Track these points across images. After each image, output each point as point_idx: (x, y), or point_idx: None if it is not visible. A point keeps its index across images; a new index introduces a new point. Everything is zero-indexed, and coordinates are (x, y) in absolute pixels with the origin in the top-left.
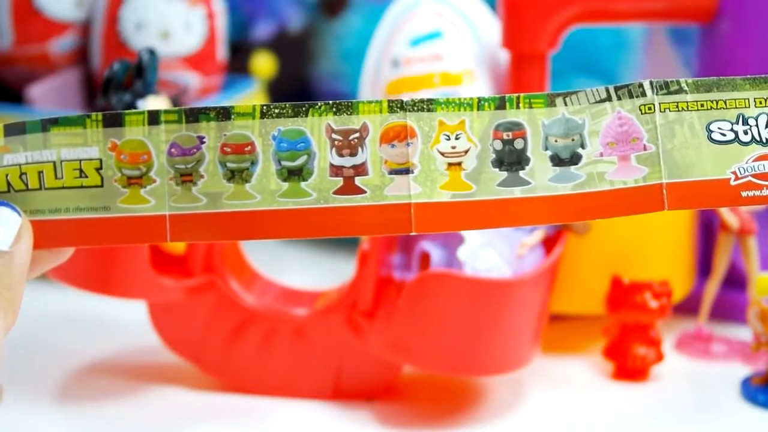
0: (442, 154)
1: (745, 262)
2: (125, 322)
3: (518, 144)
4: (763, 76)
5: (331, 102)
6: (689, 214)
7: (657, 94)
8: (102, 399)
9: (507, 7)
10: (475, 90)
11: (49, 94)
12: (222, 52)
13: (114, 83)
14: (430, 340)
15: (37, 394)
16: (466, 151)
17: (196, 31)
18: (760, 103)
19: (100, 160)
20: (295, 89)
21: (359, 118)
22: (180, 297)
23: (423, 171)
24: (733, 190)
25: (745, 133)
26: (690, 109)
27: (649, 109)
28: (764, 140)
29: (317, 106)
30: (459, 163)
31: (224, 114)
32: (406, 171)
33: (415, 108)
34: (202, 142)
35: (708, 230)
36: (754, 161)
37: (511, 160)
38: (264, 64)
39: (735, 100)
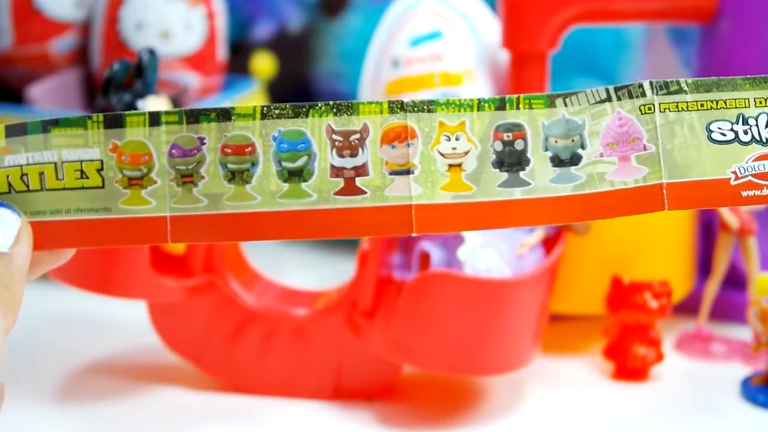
0: (443, 155)
1: (745, 262)
2: (125, 322)
3: (518, 145)
4: (762, 75)
5: (331, 103)
6: (689, 214)
7: (657, 95)
8: (102, 399)
9: (507, 7)
10: (475, 90)
11: (49, 94)
12: (222, 52)
13: (114, 83)
14: (430, 340)
15: (37, 394)
16: (467, 152)
17: (196, 31)
18: (760, 102)
19: (101, 161)
20: (295, 89)
21: (360, 119)
22: (180, 297)
23: (423, 172)
24: (734, 190)
25: (745, 132)
26: (690, 109)
27: (649, 109)
28: (764, 140)
29: (317, 107)
30: (459, 164)
31: (224, 115)
32: (407, 172)
33: (416, 109)
34: (203, 143)
35: (708, 230)
36: (754, 161)
37: (512, 161)
38: (264, 64)
39: (735, 99)
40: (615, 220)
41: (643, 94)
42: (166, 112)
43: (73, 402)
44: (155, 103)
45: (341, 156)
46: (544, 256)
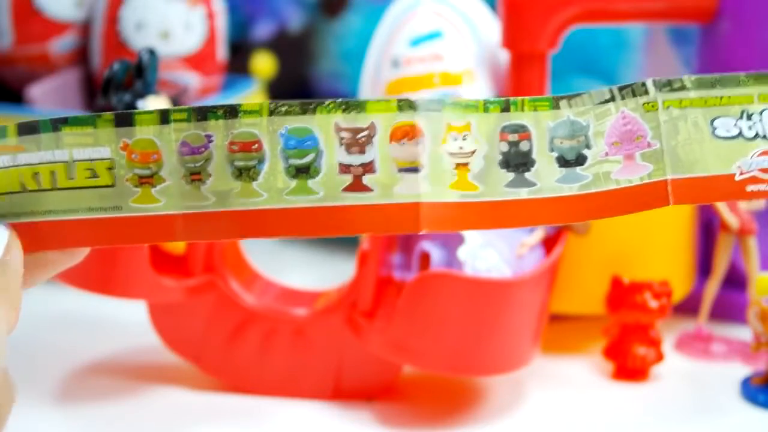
0: (450, 154)
1: (745, 262)
2: (125, 322)
3: (524, 146)
4: (766, 71)
5: (339, 100)
6: (689, 215)
7: (660, 92)
8: (102, 399)
9: (507, 7)
10: (475, 90)
11: (49, 94)
12: (222, 52)
13: (114, 83)
14: (430, 340)
15: (37, 394)
16: (473, 152)
17: (196, 31)
18: (764, 98)
19: (112, 160)
20: (295, 89)
21: (368, 117)
22: (180, 297)
23: (432, 170)
24: (739, 185)
25: (750, 128)
26: (693, 105)
27: (653, 106)
28: None
29: (325, 104)
30: (466, 164)
31: (232, 112)
32: (415, 170)
33: (424, 108)
34: (210, 141)
35: (708, 230)
36: (758, 156)
37: (518, 161)
38: (264, 64)
39: (738, 96)
40: (615, 220)
41: (647, 92)
42: (175, 110)
43: (73, 402)
44: (155, 103)
45: (349, 153)
46: (544, 256)
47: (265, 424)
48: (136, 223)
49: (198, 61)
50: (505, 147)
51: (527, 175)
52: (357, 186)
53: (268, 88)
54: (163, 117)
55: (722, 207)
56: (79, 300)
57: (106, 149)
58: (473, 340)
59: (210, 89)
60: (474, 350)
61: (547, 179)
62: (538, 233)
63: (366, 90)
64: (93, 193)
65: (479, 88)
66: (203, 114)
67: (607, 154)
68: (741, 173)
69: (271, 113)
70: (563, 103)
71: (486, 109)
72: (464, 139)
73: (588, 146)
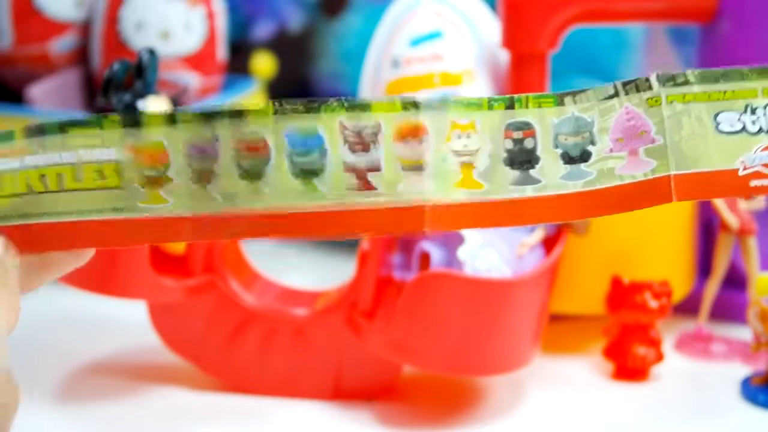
0: (455, 152)
1: (745, 262)
2: (125, 322)
3: (528, 143)
4: None
5: (344, 99)
6: (689, 214)
7: (663, 87)
8: (102, 399)
9: (507, 7)
10: (475, 90)
11: (49, 94)
12: (222, 52)
13: (114, 83)
14: (430, 340)
15: (37, 394)
16: (478, 150)
17: (196, 31)
18: None
19: (119, 162)
20: (295, 89)
21: (372, 116)
22: (180, 297)
23: (436, 169)
24: (742, 181)
25: (753, 123)
26: (697, 100)
27: (656, 101)
28: None
29: (330, 104)
30: (471, 162)
31: (237, 113)
32: (420, 168)
33: (428, 107)
34: (217, 141)
35: (708, 230)
36: (762, 151)
37: (522, 159)
38: (264, 64)
39: (742, 90)
40: (615, 220)
41: (650, 88)
42: (182, 111)
43: (73, 402)
44: (155, 103)
45: (354, 152)
46: (544, 256)
47: (265, 424)
48: (144, 224)
49: (198, 61)
50: (509, 144)
51: (532, 172)
52: (363, 185)
53: (268, 88)
54: (171, 118)
55: (722, 207)
56: (79, 300)
57: (112, 150)
58: (473, 340)
59: (210, 89)
60: (474, 350)
61: (552, 176)
62: (538, 233)
63: (366, 90)
64: (101, 195)
65: (479, 88)
66: (210, 115)
67: (611, 150)
68: (744, 168)
69: (277, 113)
70: (568, 99)
71: (490, 107)
72: (468, 137)
73: (593, 142)
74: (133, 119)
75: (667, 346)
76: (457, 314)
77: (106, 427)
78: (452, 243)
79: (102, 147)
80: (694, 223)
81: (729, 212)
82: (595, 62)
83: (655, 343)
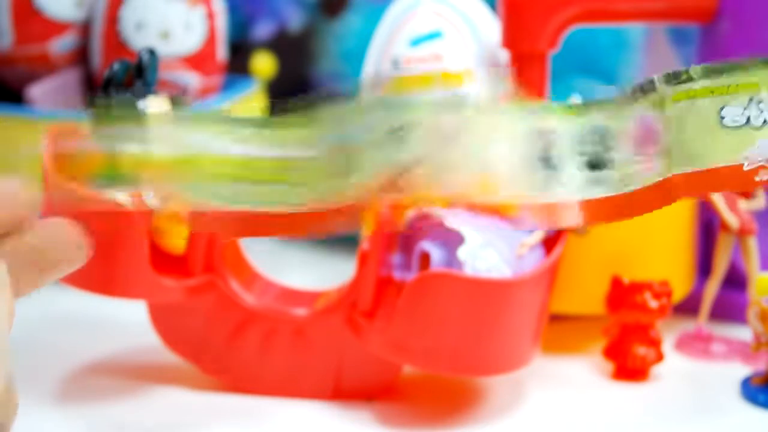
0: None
1: (745, 262)
2: (125, 322)
3: (552, 150)
4: None
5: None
6: (689, 215)
7: (668, 86)
8: (102, 399)
9: (507, 7)
10: (475, 90)
11: (49, 94)
12: (222, 52)
13: (114, 83)
14: (430, 340)
15: (37, 394)
16: (506, 155)
17: (196, 31)
18: None
19: (262, 155)
20: (295, 89)
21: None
22: (180, 297)
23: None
24: (748, 175)
25: (757, 116)
26: (700, 96)
27: (662, 102)
28: None
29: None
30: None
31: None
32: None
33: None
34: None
35: (708, 230)
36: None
37: (545, 166)
38: (264, 64)
39: (746, 83)
40: None
41: (655, 89)
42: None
43: (73, 402)
44: (155, 103)
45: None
46: (544, 256)
47: (265, 424)
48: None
49: (198, 61)
50: (533, 151)
51: (554, 179)
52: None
53: (268, 88)
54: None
55: (722, 207)
56: (79, 300)
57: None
58: (473, 340)
59: (210, 89)
60: (474, 350)
61: (573, 183)
62: (538, 233)
63: (366, 90)
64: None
65: (479, 88)
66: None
67: (629, 157)
68: (749, 162)
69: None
70: (588, 107)
71: (517, 112)
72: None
73: (612, 150)
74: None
75: (667, 346)
76: (457, 314)
77: (106, 427)
78: (452, 243)
79: (244, 142)
80: (694, 223)
81: (729, 212)
82: (595, 62)
83: (655, 343)
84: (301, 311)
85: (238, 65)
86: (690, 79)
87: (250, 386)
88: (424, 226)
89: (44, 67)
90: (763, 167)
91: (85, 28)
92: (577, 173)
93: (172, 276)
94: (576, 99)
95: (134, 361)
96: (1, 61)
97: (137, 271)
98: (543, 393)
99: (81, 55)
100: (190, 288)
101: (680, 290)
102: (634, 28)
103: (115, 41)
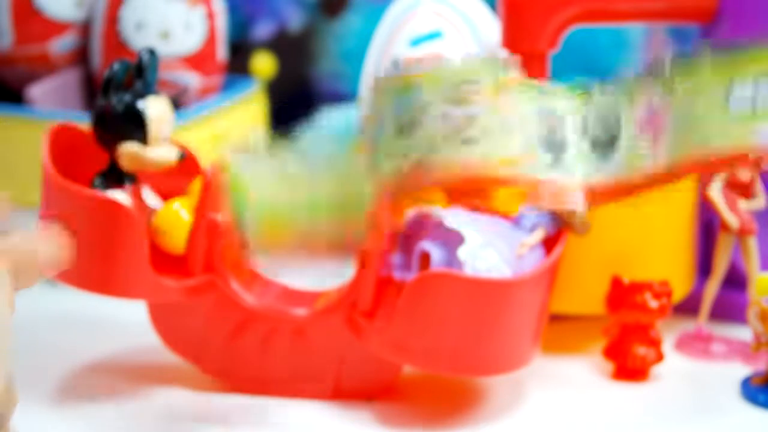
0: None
1: (745, 262)
2: (125, 322)
3: (559, 131)
4: None
5: None
6: (689, 214)
7: (674, 69)
8: (102, 399)
9: (507, 7)
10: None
11: (49, 94)
12: (222, 52)
13: (114, 83)
14: (430, 340)
15: (37, 394)
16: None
17: (196, 31)
18: None
19: None
20: (295, 89)
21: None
22: (180, 297)
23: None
24: (757, 153)
25: (765, 98)
26: (707, 79)
27: (669, 84)
28: None
29: None
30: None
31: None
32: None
33: None
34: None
35: (708, 230)
36: None
37: (554, 146)
38: (264, 64)
39: (752, 67)
40: (615, 220)
41: (664, 73)
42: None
43: (73, 402)
44: (155, 103)
45: None
46: (544, 256)
47: (265, 424)
48: None
49: (198, 61)
50: (542, 131)
51: (562, 160)
52: None
53: (268, 88)
54: None
55: (722, 207)
56: (79, 300)
57: None
58: (473, 340)
59: (210, 89)
60: (474, 350)
61: (581, 164)
62: (538, 233)
63: (366, 90)
64: None
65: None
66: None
67: (635, 137)
68: (758, 141)
69: None
70: (595, 90)
71: (524, 94)
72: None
73: (619, 130)
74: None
75: (667, 346)
76: (457, 314)
77: (106, 427)
78: (452, 243)
79: None
80: (694, 223)
81: (729, 212)
82: (595, 62)
83: (655, 343)
84: (301, 311)
85: (238, 65)
86: (695, 63)
87: (250, 386)
88: (426, 225)
89: (44, 67)
90: None
91: (85, 28)
92: (583, 154)
93: (172, 276)
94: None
95: (134, 361)
96: (1, 61)
97: (137, 271)
98: (543, 393)
99: (81, 55)
100: (190, 288)
101: (680, 290)
102: (634, 28)
103: (115, 41)
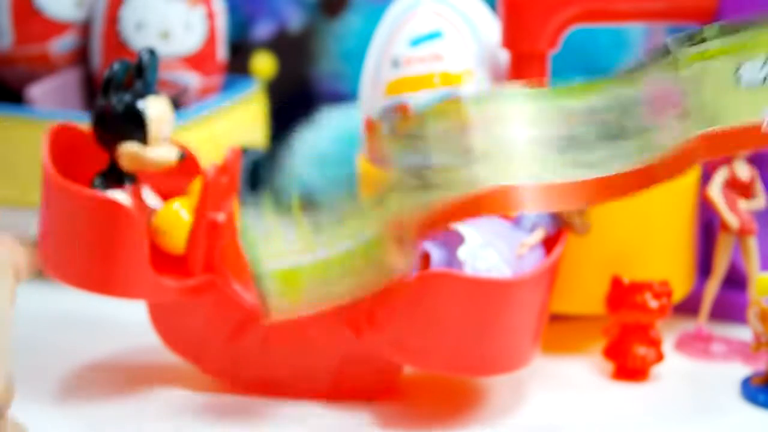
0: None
1: (745, 262)
2: (125, 322)
3: (575, 129)
4: None
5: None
6: (690, 214)
7: (682, 48)
8: (102, 399)
9: (507, 7)
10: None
11: (49, 94)
12: (222, 52)
13: (114, 83)
14: (430, 340)
15: (37, 394)
16: (530, 135)
17: (196, 31)
18: None
19: None
20: (295, 89)
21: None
22: (180, 297)
23: (501, 155)
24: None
25: None
26: (716, 56)
27: (676, 64)
28: None
29: None
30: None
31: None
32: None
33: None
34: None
35: (708, 230)
36: None
37: (571, 143)
38: (264, 64)
39: (762, 40)
40: (615, 220)
41: (670, 53)
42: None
43: (73, 402)
44: (155, 103)
45: None
46: (544, 256)
47: (265, 424)
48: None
49: (198, 61)
50: (558, 131)
51: (580, 156)
52: None
53: (268, 88)
54: None
55: (722, 207)
56: (79, 300)
57: None
58: (473, 340)
59: (210, 89)
60: (474, 350)
61: (598, 156)
62: (539, 233)
63: (366, 90)
64: None
65: (479, 88)
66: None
67: (647, 121)
68: None
69: None
70: (608, 81)
71: (538, 95)
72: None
73: (631, 119)
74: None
75: (667, 346)
76: (457, 314)
77: (106, 427)
78: (452, 243)
79: None
80: (694, 223)
81: (729, 212)
82: (595, 62)
83: (655, 343)
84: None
85: (238, 65)
86: (704, 40)
87: (250, 386)
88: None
89: (44, 67)
90: None
91: (85, 28)
92: (595, 148)
93: (172, 276)
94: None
95: (134, 361)
96: (1, 61)
97: (137, 271)
98: (543, 393)
99: (81, 55)
100: (190, 288)
101: (680, 290)
102: (634, 28)
103: (115, 41)
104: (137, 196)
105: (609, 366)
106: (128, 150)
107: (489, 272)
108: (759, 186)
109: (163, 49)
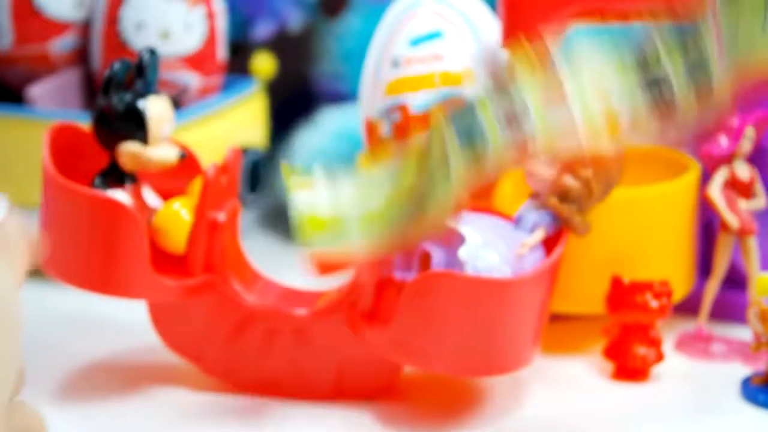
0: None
1: (745, 262)
2: (125, 322)
3: (654, 70)
4: None
5: None
6: (690, 214)
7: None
8: (102, 399)
9: (507, 7)
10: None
11: (49, 94)
12: (222, 52)
13: (114, 83)
14: (431, 340)
15: (37, 394)
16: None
17: (196, 31)
18: None
19: None
20: (295, 89)
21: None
22: (180, 297)
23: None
24: None
25: None
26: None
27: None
28: None
29: None
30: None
31: None
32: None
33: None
34: None
35: (708, 230)
36: None
37: (652, 85)
38: (264, 64)
39: None
40: (615, 220)
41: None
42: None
43: (73, 402)
44: (156, 102)
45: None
46: (544, 256)
47: (265, 424)
48: None
49: (198, 61)
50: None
51: (663, 90)
52: None
53: (268, 88)
54: None
55: (722, 207)
56: (79, 300)
57: None
58: (473, 340)
59: (210, 89)
60: (474, 350)
61: (676, 86)
62: (539, 233)
63: (366, 90)
64: None
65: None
66: None
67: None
68: None
69: None
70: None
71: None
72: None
73: (706, 49)
74: None
75: (667, 346)
76: (457, 314)
77: (106, 427)
78: (453, 243)
79: None
80: (694, 223)
81: (729, 212)
82: None
83: (655, 343)
84: (301, 311)
85: (238, 65)
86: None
87: (250, 386)
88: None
89: (44, 67)
90: None
91: (85, 28)
92: (681, 78)
93: (172, 276)
94: None
95: (134, 361)
96: (1, 61)
97: (137, 271)
98: (543, 393)
99: (81, 55)
100: (190, 288)
101: (680, 290)
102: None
103: (115, 41)
104: (137, 196)
105: (609, 366)
106: (129, 149)
107: (489, 272)
108: (759, 186)
109: (163, 49)
